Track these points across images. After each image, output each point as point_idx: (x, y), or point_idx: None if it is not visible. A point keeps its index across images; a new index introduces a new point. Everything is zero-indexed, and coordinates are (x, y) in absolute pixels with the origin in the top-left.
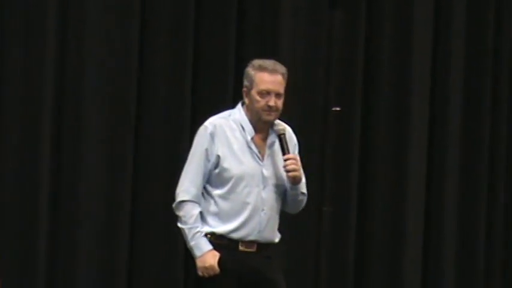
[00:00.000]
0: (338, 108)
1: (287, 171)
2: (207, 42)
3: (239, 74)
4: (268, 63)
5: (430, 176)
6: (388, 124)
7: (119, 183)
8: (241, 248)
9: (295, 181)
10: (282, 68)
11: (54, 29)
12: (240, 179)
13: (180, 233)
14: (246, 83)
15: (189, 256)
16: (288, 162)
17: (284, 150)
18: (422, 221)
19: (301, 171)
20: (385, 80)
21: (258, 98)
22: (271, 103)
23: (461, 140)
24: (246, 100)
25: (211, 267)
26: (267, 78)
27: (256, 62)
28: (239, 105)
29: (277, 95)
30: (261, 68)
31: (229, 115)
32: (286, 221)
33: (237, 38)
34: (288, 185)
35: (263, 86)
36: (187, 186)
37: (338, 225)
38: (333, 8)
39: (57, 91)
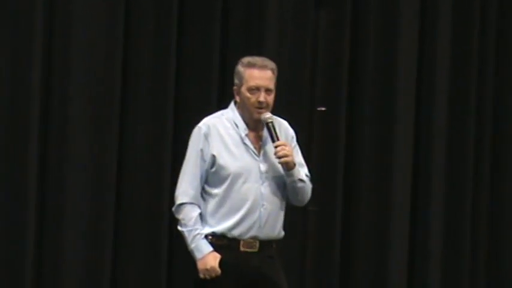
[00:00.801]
0: (323, 108)
1: (278, 157)
2: (191, 43)
3: (224, 74)
4: (258, 59)
5: (415, 175)
6: (374, 123)
7: (104, 184)
8: (242, 248)
9: (288, 167)
10: (271, 64)
11: (41, 30)
12: (237, 175)
13: (164, 236)
14: (236, 81)
15: (172, 258)
16: (278, 148)
17: (273, 137)
18: (408, 220)
19: (300, 157)
20: (371, 79)
21: (248, 94)
22: (261, 99)
23: (447, 140)
24: (237, 98)
25: (213, 269)
26: (257, 74)
27: (246, 59)
28: (232, 105)
29: (267, 90)
30: (250, 65)
31: (222, 114)
32: None
33: (221, 39)
34: (284, 173)
35: (252, 82)
36: (185, 188)
37: (324, 224)
38: (318, 8)
39: (43, 93)
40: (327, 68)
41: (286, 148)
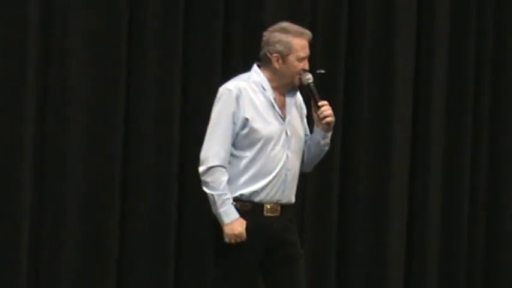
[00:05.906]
0: (323, 71)
1: (323, 117)
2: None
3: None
4: (300, 28)
5: (415, 128)
6: (372, 85)
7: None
8: (266, 213)
9: (330, 127)
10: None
11: (37, 39)
12: (269, 139)
13: (170, 206)
14: (279, 48)
15: (180, 229)
16: (324, 108)
17: (316, 97)
18: (408, 177)
19: None
20: (368, 42)
21: (296, 63)
22: (307, 67)
23: (446, 99)
24: (276, 65)
25: (240, 235)
26: (305, 44)
27: (287, 27)
28: (255, 68)
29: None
30: (298, 34)
31: (249, 77)
32: None
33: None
34: (319, 135)
35: (303, 53)
36: (217, 150)
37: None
38: None
39: (40, 92)
40: (325, 33)
41: (330, 108)
